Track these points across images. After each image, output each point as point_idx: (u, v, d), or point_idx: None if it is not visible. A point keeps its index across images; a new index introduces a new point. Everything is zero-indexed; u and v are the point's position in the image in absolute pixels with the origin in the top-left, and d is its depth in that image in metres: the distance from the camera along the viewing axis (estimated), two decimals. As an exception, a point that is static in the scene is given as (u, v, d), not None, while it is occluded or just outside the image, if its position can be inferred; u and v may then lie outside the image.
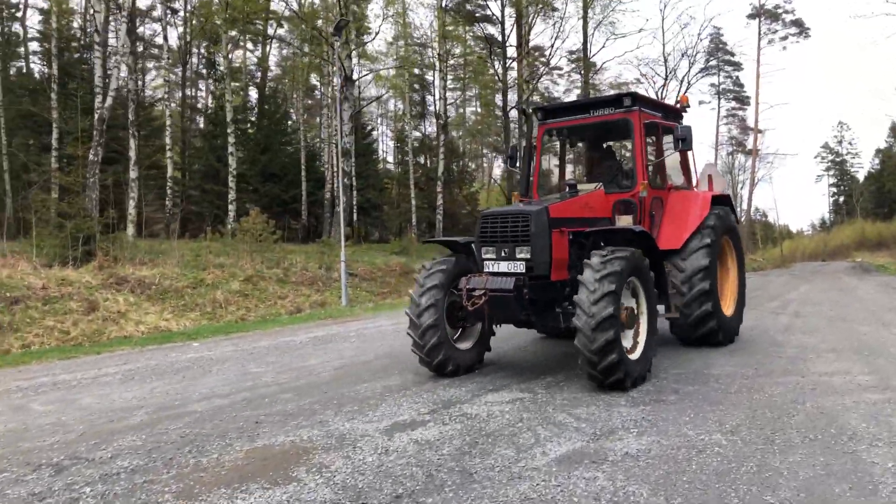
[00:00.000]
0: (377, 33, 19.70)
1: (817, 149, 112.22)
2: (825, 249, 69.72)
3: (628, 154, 9.39)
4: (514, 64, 29.01)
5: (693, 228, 7.72)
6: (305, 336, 9.83)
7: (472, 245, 7.03)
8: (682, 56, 29.78)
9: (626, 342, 6.00)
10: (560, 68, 61.33)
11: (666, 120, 8.28)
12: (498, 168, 47.00)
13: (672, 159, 8.38)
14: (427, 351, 6.51)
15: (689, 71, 29.84)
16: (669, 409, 4.97)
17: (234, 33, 33.18)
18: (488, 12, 33.22)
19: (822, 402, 5.04)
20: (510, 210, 6.79)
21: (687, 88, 30.20)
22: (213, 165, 29.59)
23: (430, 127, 38.21)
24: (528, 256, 6.36)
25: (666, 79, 30.23)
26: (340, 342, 9.08)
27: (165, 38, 27.91)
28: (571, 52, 30.81)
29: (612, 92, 49.80)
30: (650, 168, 7.88)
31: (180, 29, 34.13)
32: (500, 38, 32.64)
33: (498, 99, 29.32)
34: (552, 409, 5.10)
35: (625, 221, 7.46)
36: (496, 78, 29.33)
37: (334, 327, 10.85)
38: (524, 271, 6.37)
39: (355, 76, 24.85)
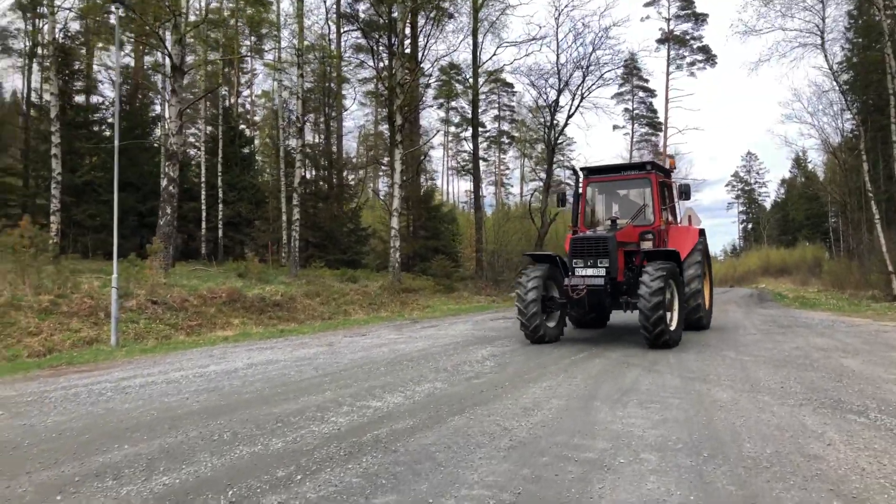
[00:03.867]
0: (206, 15, 16.66)
1: (729, 177, 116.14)
2: (734, 275, 70.78)
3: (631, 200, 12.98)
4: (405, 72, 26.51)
5: (689, 250, 11.82)
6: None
7: (557, 258, 11.22)
8: (576, 68, 28.05)
9: (667, 319, 9.60)
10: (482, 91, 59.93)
11: (666, 178, 12.61)
12: (381, 184, 44.16)
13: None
14: (529, 321, 10.27)
15: (582, 83, 28.13)
16: None
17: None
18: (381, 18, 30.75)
19: None
20: (595, 236, 10.55)
21: (580, 102, 28.53)
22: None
23: (321, 137, 35.23)
24: (607, 265, 10.23)
25: (559, 91, 28.42)
26: (-24, 417, 5.99)
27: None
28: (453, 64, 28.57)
29: (529, 116, 48.60)
30: (664, 211, 11.92)
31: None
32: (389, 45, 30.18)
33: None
34: None
35: (646, 245, 11.21)
36: (382, 85, 26.74)
37: (32, 385, 7.74)
38: (604, 274, 10.20)
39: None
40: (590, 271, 10.36)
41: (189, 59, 28.74)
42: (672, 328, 9.72)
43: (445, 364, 8.47)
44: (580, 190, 12.20)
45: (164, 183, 16.58)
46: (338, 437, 5.10)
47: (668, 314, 9.63)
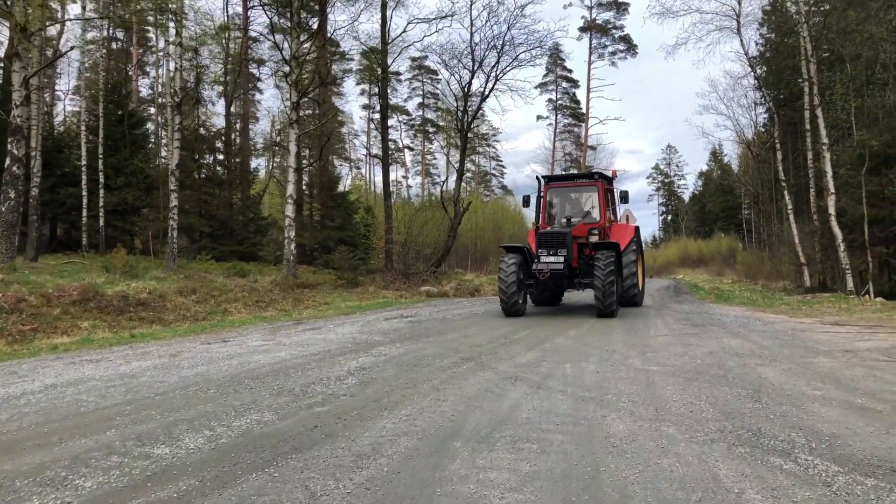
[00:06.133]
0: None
1: (650, 169, 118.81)
2: (653, 266, 71.88)
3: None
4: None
5: (627, 243, 14.92)
6: None
7: (525, 248, 14.45)
8: (489, 47, 26.78)
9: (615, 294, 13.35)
10: (399, 73, 58.39)
11: (609, 185, 16.05)
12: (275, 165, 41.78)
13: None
14: (509, 299, 13.25)
15: (496, 64, 26.90)
16: None
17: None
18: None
19: None
20: (555, 231, 13.80)
21: (494, 84, 27.36)
22: None
23: (217, 119, 32.62)
24: (565, 254, 13.43)
25: (472, 72, 27.12)
26: None
27: None
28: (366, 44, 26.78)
29: (454, 104, 47.22)
30: (609, 211, 15.54)
31: None
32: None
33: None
34: None
35: (593, 239, 14.46)
36: (284, 59, 24.63)
37: None
38: (563, 261, 13.39)
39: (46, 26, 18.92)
40: (551, 259, 13.42)
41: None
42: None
43: (295, 383, 6.85)
44: (541, 194, 15.50)
45: (7, 163, 14.15)
46: (55, 520, 3.43)
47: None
